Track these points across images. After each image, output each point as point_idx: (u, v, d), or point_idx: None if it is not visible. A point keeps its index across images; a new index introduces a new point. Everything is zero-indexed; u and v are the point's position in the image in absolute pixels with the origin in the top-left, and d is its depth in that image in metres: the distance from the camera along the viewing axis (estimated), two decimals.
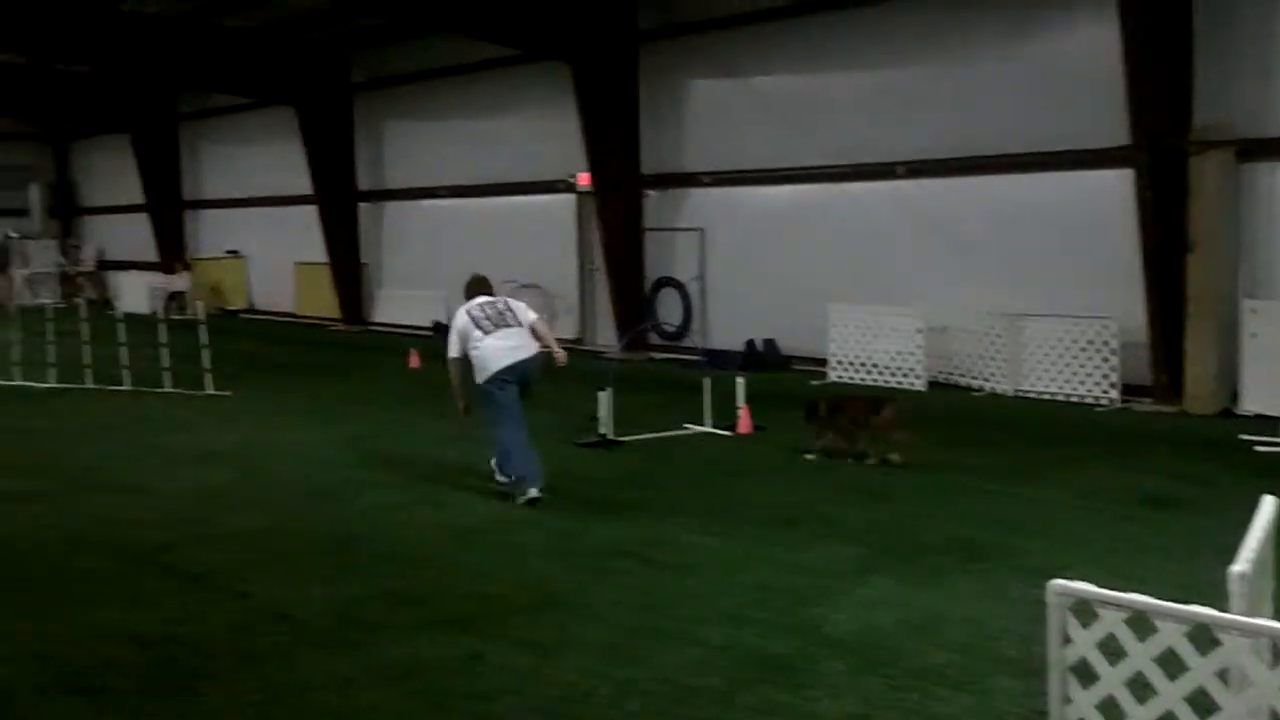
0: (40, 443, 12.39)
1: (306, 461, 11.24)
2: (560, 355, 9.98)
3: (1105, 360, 14.08)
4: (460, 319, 9.82)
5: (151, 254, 32.68)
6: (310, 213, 25.90)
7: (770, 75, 18.21)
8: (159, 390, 15.76)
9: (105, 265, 36.39)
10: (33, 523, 8.89)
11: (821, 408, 11.02)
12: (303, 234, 26.77)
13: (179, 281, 30.30)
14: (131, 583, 7.38)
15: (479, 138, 23.22)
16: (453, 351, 9.78)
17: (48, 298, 31.96)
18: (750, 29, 18.10)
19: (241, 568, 7.65)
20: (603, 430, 11.72)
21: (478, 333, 9.64)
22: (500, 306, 9.85)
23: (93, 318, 17.20)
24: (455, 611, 6.71)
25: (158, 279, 31.13)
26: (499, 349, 9.55)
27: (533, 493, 9.28)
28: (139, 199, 32.47)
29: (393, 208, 25.70)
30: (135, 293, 30.83)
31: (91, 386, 16.15)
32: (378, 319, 26.10)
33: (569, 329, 21.48)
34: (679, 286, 19.53)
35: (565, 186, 21.00)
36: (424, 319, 24.29)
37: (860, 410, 10.91)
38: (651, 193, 19.82)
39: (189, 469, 10.92)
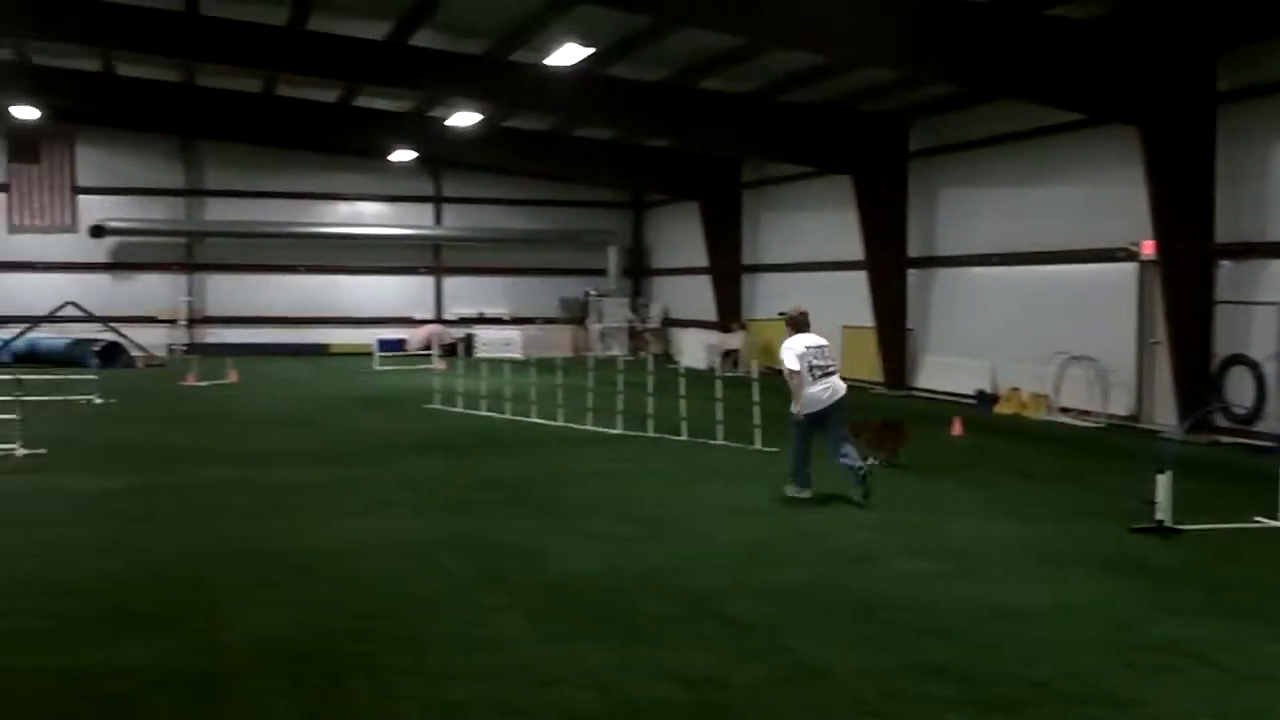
0: (620, 487, 13.47)
1: (843, 523, 11.39)
2: None
3: None
4: (799, 350, 12.21)
5: (710, 314, 34.71)
6: (859, 278, 26.41)
7: None
8: (712, 442, 16.67)
9: (669, 323, 39.14)
10: (615, 563, 9.62)
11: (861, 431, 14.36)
12: (851, 298, 27.33)
13: (734, 340, 31.91)
14: (685, 625, 7.83)
15: (1033, 204, 22.63)
16: (795, 366, 12.15)
17: (617, 350, 34.96)
18: None
19: (782, 622, 7.90)
20: (1160, 516, 10.92)
21: (808, 376, 12.10)
22: (826, 354, 12.40)
23: (656, 371, 18.56)
24: (997, 694, 6.51)
25: (714, 337, 33.01)
26: (822, 394, 12.12)
27: (862, 485, 12.01)
28: (702, 262, 34.66)
29: (942, 274, 25.61)
30: (694, 349, 32.92)
31: (652, 435, 17.40)
32: (920, 384, 26.06)
33: (1122, 405, 20.30)
34: (1253, 365, 17.86)
35: (1126, 255, 19.92)
36: (967, 386, 23.93)
37: (875, 431, 14.90)
38: (1225, 263, 18.31)
39: (738, 520, 11.44)
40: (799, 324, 12.60)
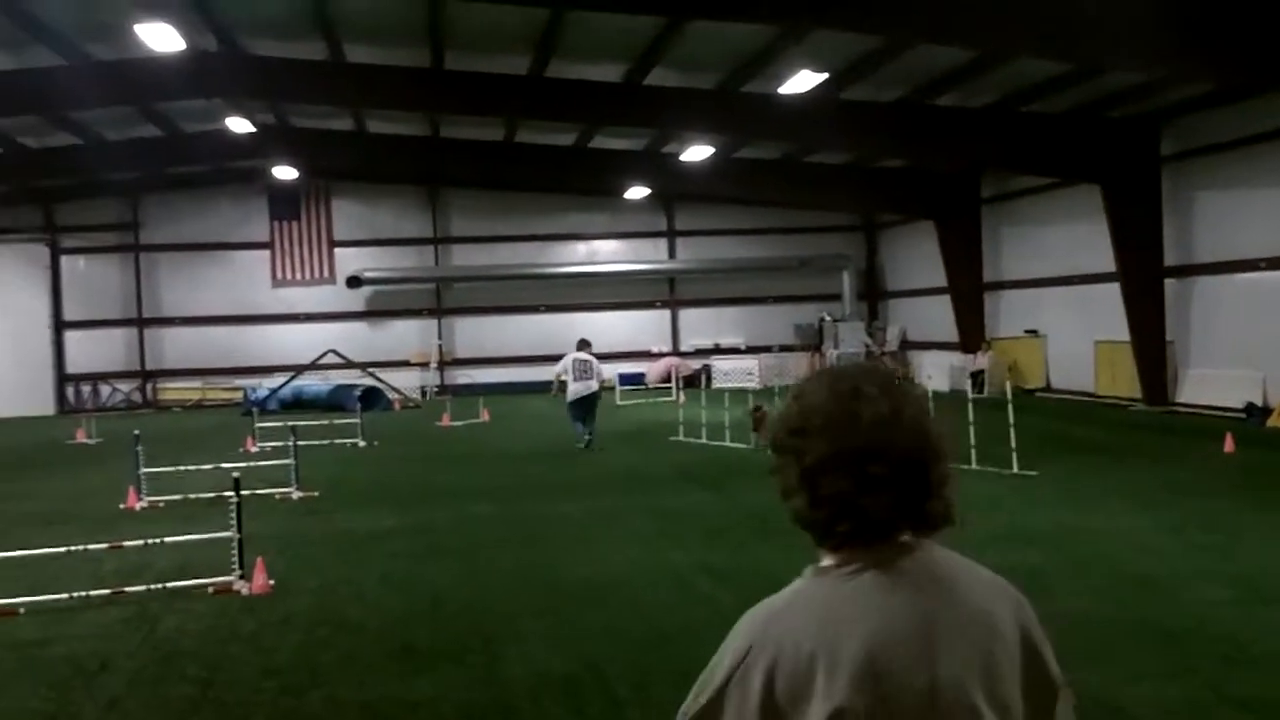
0: None
1: (1123, 548, 10.86)
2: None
3: None
4: (567, 361, 20.20)
5: (950, 334, 33.88)
6: (1110, 290, 25.30)
7: None
8: (966, 467, 16.20)
9: (906, 345, 38.42)
10: None
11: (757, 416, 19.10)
12: (1103, 312, 26.25)
13: (980, 360, 31.04)
14: None
15: None
16: (559, 372, 20.46)
17: None
18: None
19: (1071, 654, 7.51)
20: None
21: (570, 376, 19.95)
22: (590, 366, 20.04)
23: None
24: None
25: (958, 358, 32.18)
26: (579, 389, 19.98)
27: (581, 445, 20.04)
28: (940, 282, 33.89)
29: (1203, 282, 24.25)
30: (937, 371, 32.17)
31: None
32: (1182, 399, 24.73)
33: None
34: None
35: None
36: (1236, 400, 22.59)
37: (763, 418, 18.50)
38: None
39: (1006, 546, 11.00)
40: (579, 346, 20.58)
